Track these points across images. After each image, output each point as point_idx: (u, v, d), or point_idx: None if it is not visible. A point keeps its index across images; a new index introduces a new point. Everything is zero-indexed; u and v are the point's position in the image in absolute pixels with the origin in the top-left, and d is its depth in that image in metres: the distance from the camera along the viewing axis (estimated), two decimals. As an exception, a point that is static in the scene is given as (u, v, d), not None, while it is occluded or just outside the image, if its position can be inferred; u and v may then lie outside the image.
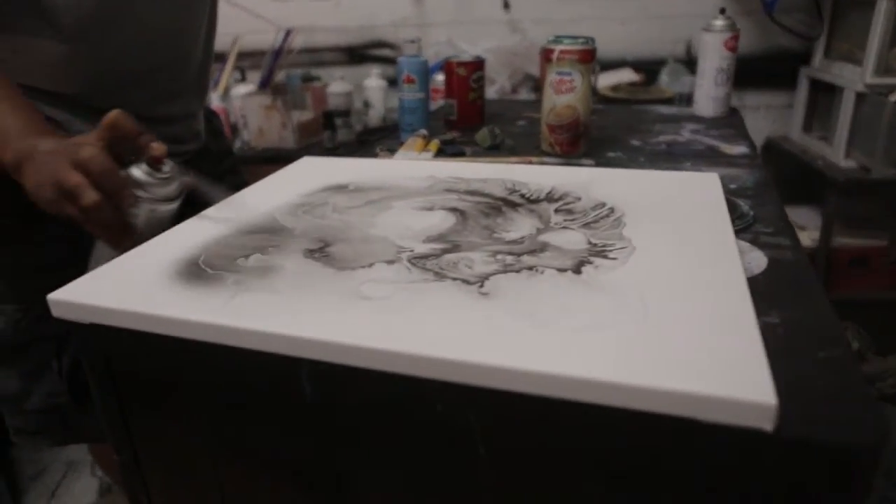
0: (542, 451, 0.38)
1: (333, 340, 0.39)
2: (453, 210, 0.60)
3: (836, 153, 1.58)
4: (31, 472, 1.48)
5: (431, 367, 0.37)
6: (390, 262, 0.49)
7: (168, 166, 0.59)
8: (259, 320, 0.41)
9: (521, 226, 0.55)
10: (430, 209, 0.61)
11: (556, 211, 0.58)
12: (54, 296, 0.47)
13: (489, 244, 0.52)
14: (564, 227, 0.55)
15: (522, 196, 0.63)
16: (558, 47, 0.86)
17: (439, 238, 0.54)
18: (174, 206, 0.60)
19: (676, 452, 0.35)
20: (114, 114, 0.57)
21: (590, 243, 0.51)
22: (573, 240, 0.52)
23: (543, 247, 0.51)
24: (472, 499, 0.42)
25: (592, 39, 0.86)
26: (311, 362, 0.40)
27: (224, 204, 0.62)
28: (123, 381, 0.50)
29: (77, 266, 0.53)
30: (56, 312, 0.47)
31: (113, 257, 0.57)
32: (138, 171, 0.57)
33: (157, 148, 0.57)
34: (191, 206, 0.63)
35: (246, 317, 0.42)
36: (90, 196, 0.54)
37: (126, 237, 0.58)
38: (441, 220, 0.58)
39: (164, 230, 0.59)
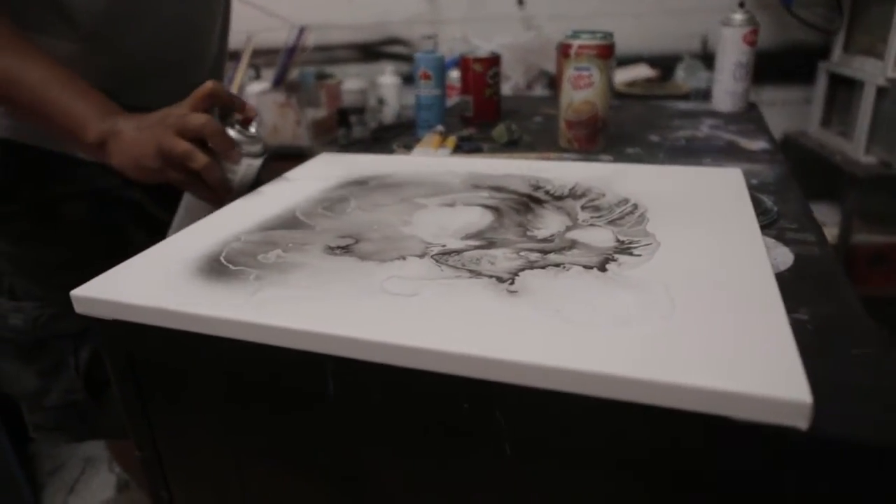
0: (570, 451, 0.38)
1: (357, 337, 0.39)
2: (488, 207, 0.60)
3: (856, 149, 1.56)
4: (50, 468, 1.49)
5: (457, 364, 0.37)
6: (415, 258, 0.49)
7: (254, 127, 0.67)
8: (282, 316, 0.41)
9: (550, 223, 0.55)
10: (466, 205, 0.60)
11: (583, 208, 0.58)
12: (77, 292, 0.47)
13: (523, 241, 0.51)
14: (592, 225, 0.54)
15: (547, 193, 0.62)
16: (576, 42, 0.85)
17: (477, 235, 0.53)
18: (260, 161, 0.68)
19: (707, 451, 0.35)
20: (211, 84, 0.62)
21: (618, 240, 0.50)
22: (601, 237, 0.51)
23: (572, 244, 0.50)
24: (497, 499, 0.41)
25: (611, 34, 0.86)
26: (335, 359, 0.40)
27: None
28: (146, 377, 0.50)
29: (94, 266, 0.53)
30: (79, 308, 0.47)
31: (200, 217, 0.63)
32: (233, 132, 0.65)
33: (251, 109, 0.65)
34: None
35: (269, 313, 0.42)
36: (203, 158, 0.61)
37: (228, 193, 0.65)
38: (479, 218, 0.57)
39: (251, 187, 0.68)
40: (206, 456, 0.52)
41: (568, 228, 0.53)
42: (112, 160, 0.63)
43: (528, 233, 0.53)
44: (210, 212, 0.63)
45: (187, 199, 0.71)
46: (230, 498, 0.52)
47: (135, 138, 0.61)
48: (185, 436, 0.52)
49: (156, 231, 0.69)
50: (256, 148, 0.67)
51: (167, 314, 0.44)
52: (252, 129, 0.66)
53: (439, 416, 0.40)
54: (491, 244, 0.51)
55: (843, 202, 1.61)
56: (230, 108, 0.65)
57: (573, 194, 0.62)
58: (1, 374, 0.80)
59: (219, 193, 0.65)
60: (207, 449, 0.51)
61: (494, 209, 0.59)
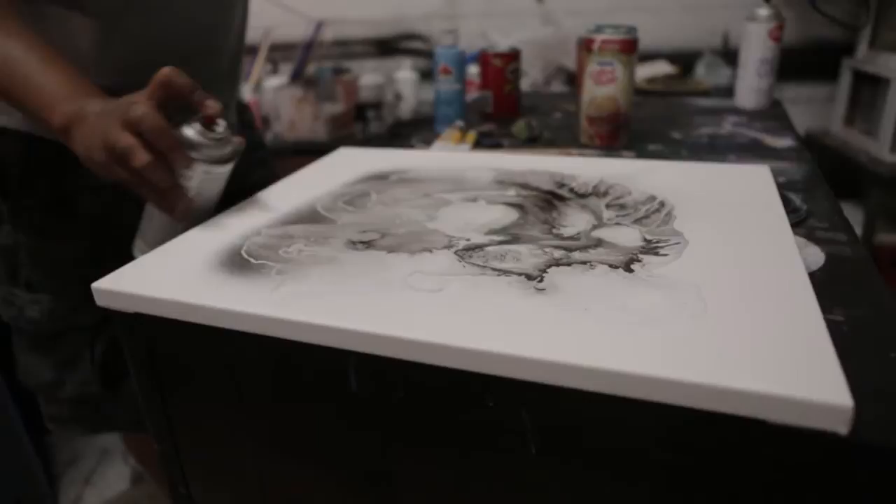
0: (597, 451, 0.37)
1: (381, 333, 0.38)
2: (513, 205, 0.59)
3: (881, 147, 1.53)
4: (67, 459, 1.50)
5: (483, 362, 0.36)
6: (439, 253, 0.48)
7: (221, 126, 0.56)
8: (305, 311, 0.40)
9: (575, 221, 0.54)
10: (490, 203, 0.59)
11: (608, 206, 0.57)
12: (99, 284, 0.47)
13: (549, 239, 0.50)
14: (618, 224, 0.53)
15: (571, 190, 0.61)
16: (599, 37, 0.84)
17: (502, 231, 0.53)
18: (227, 168, 0.58)
19: (740, 454, 0.34)
20: (166, 70, 0.54)
21: (645, 240, 0.49)
22: (628, 236, 0.50)
23: (598, 242, 0.49)
24: (522, 498, 0.41)
25: (634, 28, 0.84)
26: (359, 355, 0.39)
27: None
28: (165, 370, 0.50)
29: (111, 259, 0.52)
30: (100, 301, 0.47)
31: (163, 228, 0.57)
32: (192, 131, 0.55)
33: (212, 106, 0.55)
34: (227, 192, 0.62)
35: (291, 308, 0.41)
36: (142, 157, 0.52)
37: (180, 201, 0.56)
38: (503, 215, 0.56)
39: (216, 195, 0.58)
40: (224, 450, 0.51)
41: (594, 227, 0.52)
42: (75, 147, 0.56)
43: (554, 230, 0.52)
44: (173, 224, 0.57)
45: (149, 206, 0.62)
46: (249, 493, 0.52)
47: (92, 126, 0.54)
48: (203, 430, 0.52)
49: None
50: (221, 152, 0.56)
51: (188, 308, 0.43)
52: (219, 129, 0.56)
53: (464, 414, 0.39)
54: (516, 240, 0.50)
55: (866, 202, 1.59)
56: (189, 101, 0.56)
57: (597, 192, 0.61)
58: (18, 365, 0.80)
59: (169, 201, 0.56)
60: (226, 443, 0.51)
61: (519, 206, 0.58)
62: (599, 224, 0.53)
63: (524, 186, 0.63)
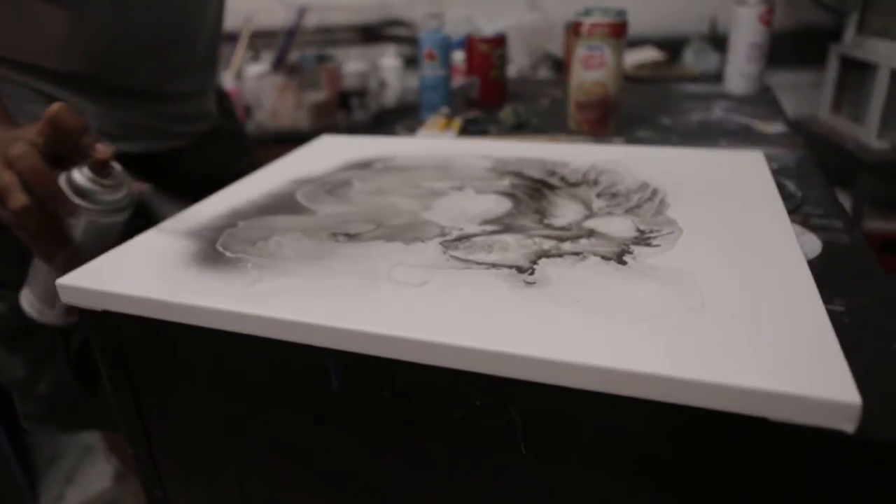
0: (590, 450, 0.35)
1: (362, 330, 0.36)
2: (505, 194, 0.56)
3: (869, 134, 1.53)
4: (47, 457, 1.47)
5: (468, 359, 0.34)
6: (424, 245, 0.46)
7: (115, 172, 0.52)
8: (282, 308, 0.38)
9: (566, 211, 0.52)
10: (480, 192, 0.57)
11: (599, 195, 0.55)
12: (64, 280, 0.44)
13: (540, 229, 0.48)
14: (609, 213, 0.51)
15: (562, 179, 0.59)
16: (588, 20, 0.81)
17: (495, 221, 0.50)
18: (120, 218, 0.53)
19: (741, 453, 0.32)
20: (55, 107, 0.50)
21: (638, 230, 0.47)
22: (620, 226, 0.48)
23: (590, 233, 0.47)
24: (512, 499, 0.39)
25: (624, 12, 0.82)
26: (338, 353, 0.37)
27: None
28: (137, 370, 0.47)
29: None
30: (65, 298, 0.45)
31: (49, 277, 0.52)
32: (80, 176, 0.51)
33: (102, 151, 0.50)
34: (144, 218, 0.56)
35: (268, 304, 0.39)
36: (18, 199, 0.48)
37: (59, 249, 0.52)
38: (495, 205, 0.54)
39: (107, 245, 0.50)
40: (202, 453, 0.49)
41: (585, 217, 0.50)
42: None
43: (545, 220, 0.50)
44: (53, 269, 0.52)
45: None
46: (227, 496, 0.50)
47: None
48: (179, 432, 0.49)
49: (150, 217, 0.65)
50: (112, 199, 0.52)
51: (160, 305, 0.41)
52: (113, 175, 0.52)
53: (450, 413, 0.37)
54: (508, 230, 0.48)
55: (854, 188, 1.58)
56: (76, 143, 0.51)
57: (587, 180, 0.59)
58: None
59: (47, 246, 0.52)
60: (204, 446, 0.49)
61: (511, 196, 0.56)
62: (591, 214, 0.51)
63: (515, 175, 0.61)
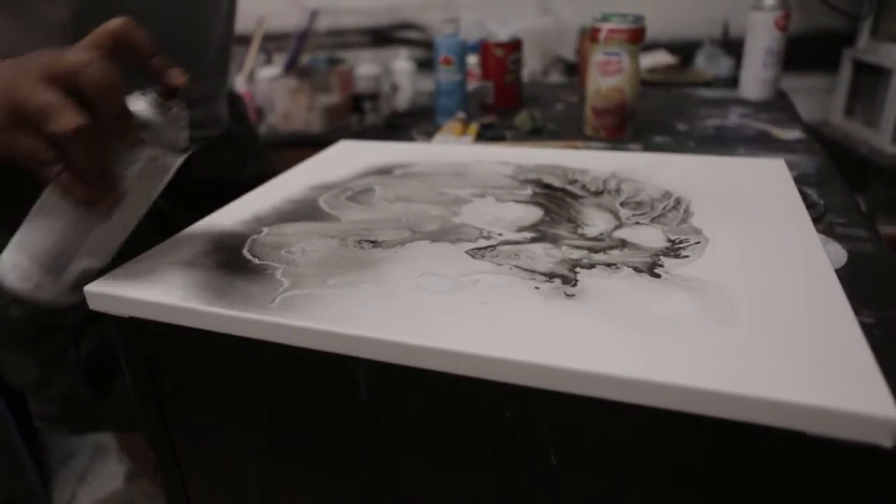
0: (621, 463, 0.35)
1: (392, 339, 0.36)
2: (532, 202, 0.56)
3: (883, 139, 1.52)
4: (60, 457, 1.48)
5: (500, 370, 0.34)
6: (451, 252, 0.46)
7: (178, 108, 0.43)
8: (310, 317, 0.38)
9: (596, 220, 0.52)
10: (507, 201, 0.57)
11: (623, 204, 0.55)
12: (92, 287, 0.44)
13: (574, 239, 0.48)
14: (637, 223, 0.51)
15: (584, 187, 0.59)
16: (606, 26, 0.81)
17: (531, 229, 0.50)
18: (177, 161, 0.44)
19: (776, 468, 0.32)
20: (121, 20, 0.41)
21: (669, 240, 0.47)
22: (651, 236, 0.48)
23: (622, 244, 0.47)
24: (540, 510, 0.39)
25: (642, 17, 0.82)
26: (368, 362, 0.37)
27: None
28: (163, 376, 0.47)
29: None
30: (93, 305, 0.45)
31: (61, 233, 0.42)
32: (143, 104, 0.41)
33: (178, 76, 0.42)
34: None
35: (298, 312, 0.39)
36: (72, 118, 0.37)
37: (108, 194, 0.41)
38: (526, 213, 0.54)
39: (154, 195, 0.44)
40: (226, 460, 0.49)
41: (616, 227, 0.50)
42: None
43: (579, 230, 0.50)
44: (79, 227, 0.43)
45: (46, 198, 0.43)
46: (250, 502, 0.50)
47: None
48: (204, 438, 0.49)
49: (163, 224, 0.65)
50: (176, 137, 0.43)
51: (188, 313, 0.41)
52: (175, 110, 0.43)
53: (480, 424, 0.37)
54: (544, 237, 0.48)
55: (867, 194, 1.57)
56: (146, 65, 0.42)
57: (608, 189, 0.58)
58: (3, 364, 0.78)
59: (93, 188, 0.41)
60: (228, 452, 0.49)
61: (539, 204, 0.55)
62: (620, 224, 0.51)
63: (537, 183, 0.61)
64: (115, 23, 0.41)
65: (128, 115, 0.40)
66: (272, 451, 0.46)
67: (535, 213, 0.53)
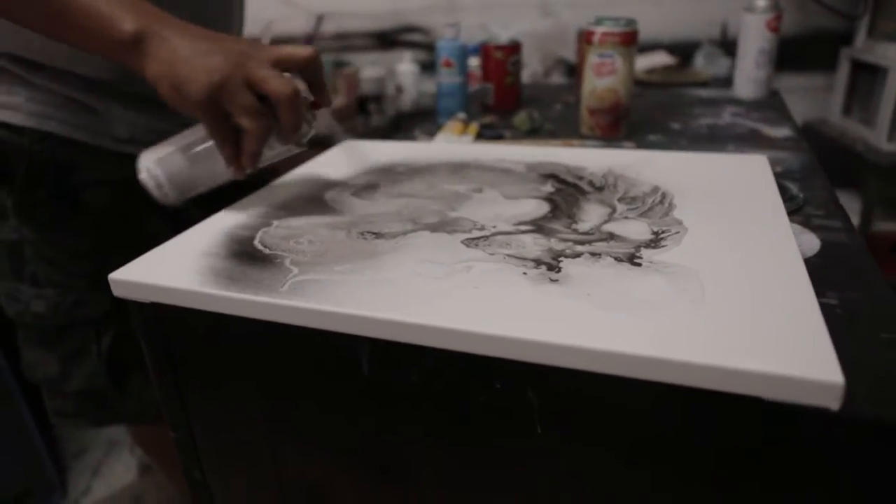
0: (598, 429, 0.39)
1: (392, 319, 0.40)
2: (543, 198, 0.59)
3: (879, 136, 1.54)
4: (74, 450, 1.52)
5: (490, 345, 0.38)
6: (447, 241, 0.50)
7: (311, 115, 0.60)
8: (318, 299, 0.42)
9: (592, 215, 0.55)
10: (510, 196, 0.60)
11: (620, 200, 0.58)
12: (116, 275, 0.48)
13: (567, 233, 0.51)
14: (626, 217, 0.54)
15: (591, 183, 0.62)
16: (599, 29, 0.85)
17: (530, 223, 0.53)
18: (296, 152, 0.63)
19: (736, 430, 0.35)
20: (312, 51, 0.56)
21: (653, 232, 0.50)
22: (637, 229, 0.51)
23: (610, 237, 0.50)
24: (529, 477, 0.42)
25: (634, 21, 0.85)
26: (371, 340, 0.41)
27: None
28: (181, 359, 0.51)
29: (116, 252, 0.53)
30: (117, 292, 0.49)
31: (200, 175, 0.60)
32: None
33: (329, 99, 0.60)
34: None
35: (306, 296, 0.43)
36: (266, 123, 0.54)
37: (252, 167, 0.58)
38: (534, 209, 0.57)
39: (267, 170, 0.62)
40: (239, 437, 0.53)
41: (604, 221, 0.53)
42: (148, 64, 0.53)
43: (574, 225, 0.53)
44: (213, 175, 0.60)
45: (198, 143, 0.61)
46: (263, 479, 0.54)
47: (190, 58, 0.52)
48: (219, 417, 0.53)
49: (177, 221, 0.68)
50: (307, 136, 0.61)
51: (206, 297, 0.45)
52: (314, 116, 0.60)
53: (472, 396, 0.41)
54: (539, 230, 0.51)
55: (864, 190, 1.60)
56: (312, 85, 0.59)
57: (608, 184, 0.61)
58: (23, 360, 0.81)
59: (242, 161, 0.58)
60: (242, 431, 0.52)
61: (551, 200, 0.58)
62: (609, 219, 0.54)
63: (556, 179, 0.64)
64: (307, 52, 0.56)
65: (300, 125, 0.56)
66: (283, 428, 0.50)
67: (542, 209, 0.57)
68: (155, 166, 0.60)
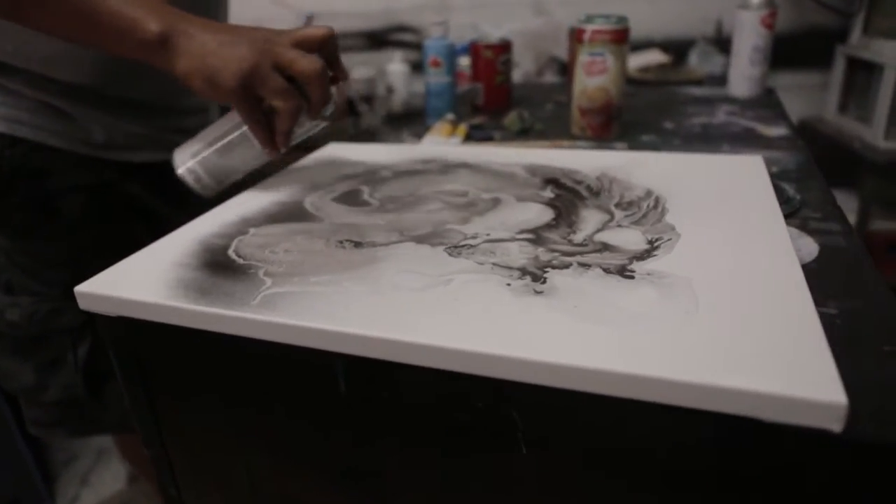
0: (587, 450, 0.37)
1: (368, 334, 0.37)
2: (549, 204, 0.57)
3: (875, 134, 1.53)
4: (63, 459, 1.50)
5: (473, 363, 0.36)
6: (429, 251, 0.48)
7: (333, 90, 0.61)
8: (291, 314, 0.40)
9: (588, 224, 0.52)
10: (523, 201, 0.58)
11: (617, 205, 0.55)
12: (81, 288, 0.46)
13: (561, 244, 0.48)
14: (619, 226, 0.51)
15: (588, 188, 0.60)
16: (590, 27, 0.83)
17: (529, 231, 0.51)
18: (320, 127, 0.66)
19: (732, 452, 0.33)
20: (328, 30, 0.58)
21: (648, 242, 0.47)
22: (631, 238, 0.48)
23: (604, 247, 0.47)
24: (512, 499, 0.40)
25: (626, 18, 0.83)
26: (346, 357, 0.39)
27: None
28: (152, 374, 0.49)
29: (93, 260, 0.51)
30: (83, 305, 0.46)
31: (231, 162, 0.63)
32: None
33: (346, 73, 0.62)
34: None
35: (278, 310, 0.40)
36: (297, 103, 0.57)
37: (285, 146, 0.62)
38: (538, 215, 0.54)
39: (289, 150, 0.64)
40: (215, 453, 0.51)
41: (597, 230, 0.50)
42: (178, 61, 0.55)
43: (571, 235, 0.50)
44: (248, 160, 0.64)
45: (231, 132, 0.64)
46: (239, 495, 0.51)
47: (217, 49, 0.55)
48: (193, 433, 0.51)
49: (156, 226, 0.67)
50: (329, 111, 0.62)
51: (173, 311, 0.43)
52: (334, 91, 0.62)
53: (453, 415, 0.39)
54: (538, 240, 0.49)
55: (860, 189, 1.58)
56: (330, 61, 0.60)
57: (604, 188, 0.59)
58: None
59: (276, 142, 0.61)
60: (216, 446, 0.50)
61: (554, 207, 0.56)
62: (604, 227, 0.51)
63: (556, 184, 0.62)
64: (322, 30, 0.58)
65: (328, 101, 0.59)
66: (258, 442, 0.48)
67: (546, 215, 0.54)
68: (192, 162, 0.64)
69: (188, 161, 0.64)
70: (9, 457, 1.26)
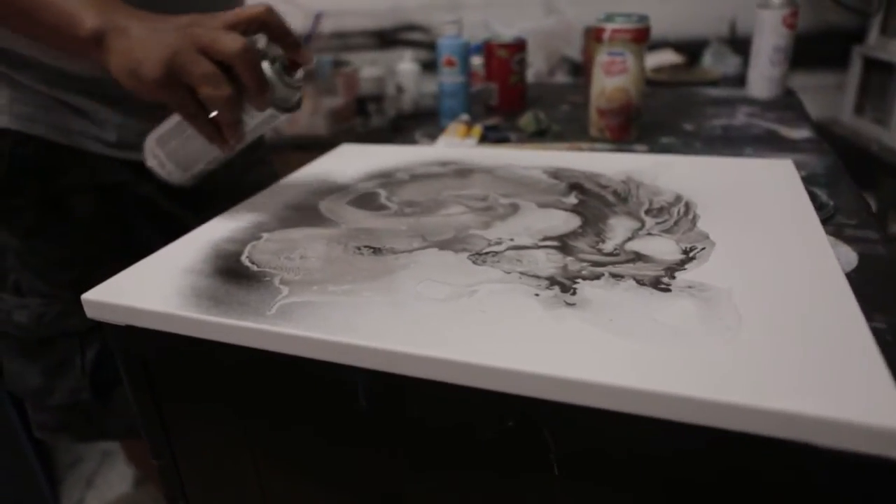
0: (625, 473, 0.34)
1: (392, 349, 0.35)
2: (573, 210, 0.54)
3: (893, 136, 1.50)
4: (68, 462, 1.49)
5: (501, 380, 0.34)
6: (453, 258, 0.46)
7: (300, 74, 0.54)
8: (310, 325, 0.38)
9: (618, 231, 0.50)
10: (547, 207, 0.55)
11: (647, 212, 0.53)
12: (89, 296, 0.44)
13: (591, 254, 0.46)
14: (650, 234, 0.49)
15: (615, 193, 0.57)
16: (610, 26, 0.80)
17: (556, 238, 0.49)
18: (285, 118, 0.56)
19: (785, 479, 0.31)
20: (266, 8, 0.52)
21: (683, 251, 0.45)
22: (664, 248, 0.46)
23: (636, 257, 0.45)
24: (543, 521, 0.38)
25: (646, 17, 0.81)
26: (366, 371, 0.37)
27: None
28: (162, 384, 0.47)
29: (103, 261, 0.49)
30: (90, 313, 0.44)
31: (194, 152, 0.58)
32: (270, 71, 0.52)
33: (306, 55, 0.53)
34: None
35: (294, 321, 0.38)
36: (226, 89, 0.50)
37: (234, 138, 0.54)
38: (563, 222, 0.52)
39: (259, 134, 0.57)
40: (225, 467, 0.49)
41: (627, 239, 0.48)
42: (110, 61, 0.51)
43: (600, 244, 0.47)
44: (209, 152, 0.57)
45: (185, 127, 0.58)
46: (251, 510, 0.50)
47: (142, 39, 0.50)
48: (203, 445, 0.49)
49: (169, 228, 0.65)
50: (290, 100, 0.55)
51: (185, 321, 0.41)
52: (298, 76, 0.54)
53: (481, 433, 0.37)
54: (564, 249, 0.47)
55: (878, 192, 1.55)
56: (281, 43, 0.53)
57: (631, 193, 0.57)
58: (4, 371, 0.77)
59: (223, 136, 0.54)
60: (227, 460, 0.48)
61: (578, 213, 0.53)
62: (635, 235, 0.49)
63: (581, 189, 0.59)
64: (257, 9, 0.51)
65: (266, 88, 0.51)
66: (271, 456, 0.46)
67: (572, 223, 0.52)
68: (155, 145, 0.60)
69: (152, 145, 0.60)
70: (13, 460, 1.25)
